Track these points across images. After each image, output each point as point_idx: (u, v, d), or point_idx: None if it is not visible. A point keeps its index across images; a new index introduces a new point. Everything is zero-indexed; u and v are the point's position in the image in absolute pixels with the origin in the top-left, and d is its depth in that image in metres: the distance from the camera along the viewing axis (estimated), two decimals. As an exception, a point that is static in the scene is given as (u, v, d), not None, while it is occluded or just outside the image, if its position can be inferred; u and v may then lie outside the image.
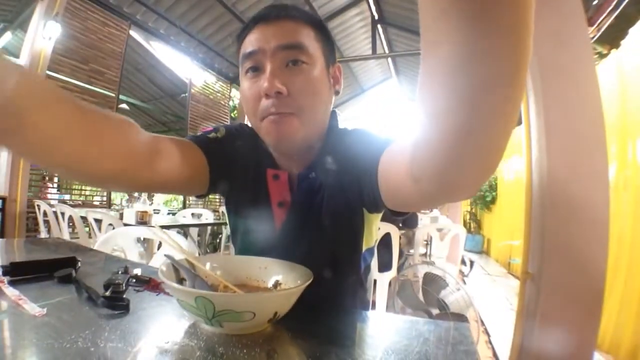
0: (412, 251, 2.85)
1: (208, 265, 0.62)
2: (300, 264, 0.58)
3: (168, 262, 0.56)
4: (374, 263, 1.66)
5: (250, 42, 0.57)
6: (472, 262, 4.45)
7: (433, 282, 1.66)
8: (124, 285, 0.60)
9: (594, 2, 2.84)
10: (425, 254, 4.14)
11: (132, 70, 6.96)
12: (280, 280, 0.60)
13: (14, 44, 5.83)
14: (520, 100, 0.25)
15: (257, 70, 0.57)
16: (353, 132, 0.67)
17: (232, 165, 0.66)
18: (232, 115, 7.10)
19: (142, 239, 2.15)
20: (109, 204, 4.49)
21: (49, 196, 4.54)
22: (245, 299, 0.47)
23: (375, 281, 1.70)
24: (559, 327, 1.23)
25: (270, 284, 0.60)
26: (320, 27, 0.61)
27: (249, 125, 0.68)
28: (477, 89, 0.24)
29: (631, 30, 2.13)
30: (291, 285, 0.57)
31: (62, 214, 2.78)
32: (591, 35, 2.85)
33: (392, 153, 0.50)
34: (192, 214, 4.10)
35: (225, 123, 6.65)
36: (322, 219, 0.63)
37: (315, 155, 0.64)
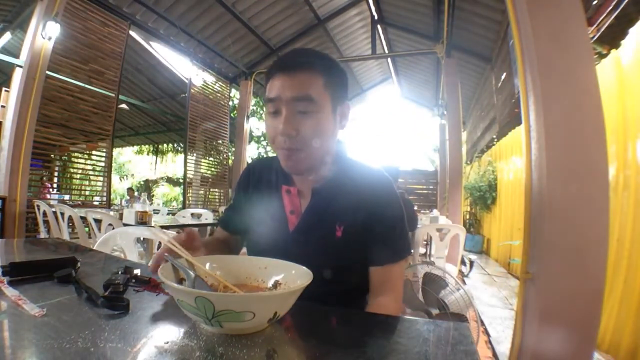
0: (411, 251, 2.85)
1: (208, 265, 0.61)
2: (309, 263, 0.59)
3: (167, 262, 0.56)
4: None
5: (272, 90, 0.73)
6: (471, 262, 4.45)
7: (433, 282, 1.66)
8: (123, 285, 0.60)
9: (594, 2, 2.84)
10: (425, 254, 4.14)
11: (132, 71, 6.96)
12: (280, 280, 0.60)
13: (14, 44, 5.83)
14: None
15: (276, 113, 0.73)
16: (374, 176, 0.82)
17: (248, 194, 0.88)
18: (231, 115, 7.10)
19: (141, 239, 2.15)
20: (108, 204, 4.49)
21: (48, 196, 4.55)
22: (245, 299, 0.47)
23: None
24: (558, 327, 1.23)
25: (270, 284, 0.60)
26: (332, 74, 0.75)
27: (263, 158, 0.96)
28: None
29: (631, 30, 2.13)
30: (291, 285, 0.57)
31: (62, 214, 2.78)
32: (591, 36, 2.85)
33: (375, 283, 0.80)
34: (192, 214, 4.10)
35: (225, 125, 6.68)
36: (334, 229, 0.76)
37: (325, 176, 0.80)
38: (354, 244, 0.76)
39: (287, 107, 0.71)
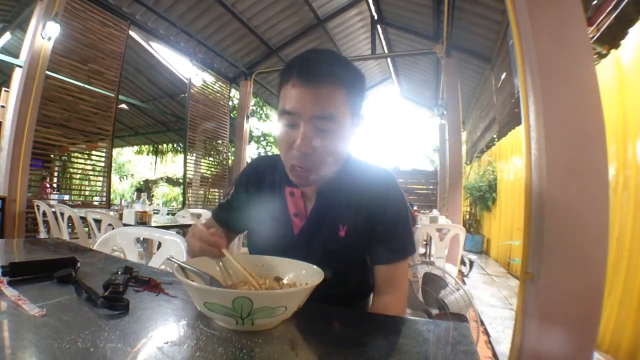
0: (416, 250, 2.83)
1: (218, 267, 0.64)
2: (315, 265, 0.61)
3: (176, 266, 0.56)
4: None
5: (290, 102, 0.67)
6: (471, 262, 4.44)
7: (432, 282, 1.66)
8: (123, 285, 0.60)
9: (594, 2, 2.84)
10: (424, 254, 4.14)
11: (132, 71, 6.95)
12: (280, 276, 0.63)
13: (14, 44, 5.82)
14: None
15: (292, 126, 0.68)
16: (378, 174, 0.80)
17: (250, 193, 0.85)
18: (231, 115, 7.10)
19: (141, 239, 2.15)
20: (108, 204, 4.49)
21: (46, 196, 4.54)
22: (281, 295, 0.49)
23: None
24: (558, 327, 1.23)
25: (272, 280, 0.63)
26: (355, 86, 0.71)
27: (266, 156, 0.91)
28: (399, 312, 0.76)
29: (630, 30, 2.13)
30: (293, 279, 0.61)
31: (62, 214, 2.77)
32: (591, 36, 2.85)
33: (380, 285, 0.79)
34: (192, 214, 4.09)
35: (225, 125, 6.68)
36: (337, 229, 0.75)
37: (329, 177, 0.76)
38: (356, 243, 0.75)
39: (306, 124, 0.66)
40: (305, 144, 0.66)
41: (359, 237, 0.75)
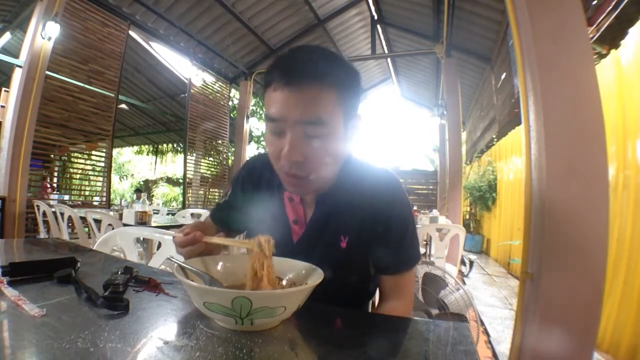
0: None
1: (218, 267, 0.64)
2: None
3: (176, 266, 0.56)
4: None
5: (274, 106, 0.61)
6: (471, 262, 4.44)
7: (432, 282, 1.66)
8: (123, 285, 0.60)
9: (594, 2, 2.84)
10: (424, 254, 4.14)
11: (132, 71, 6.95)
12: (280, 276, 0.62)
13: (13, 44, 5.82)
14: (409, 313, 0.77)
15: (279, 133, 0.63)
16: (381, 178, 0.74)
17: (247, 195, 0.82)
18: (231, 115, 7.10)
19: (141, 239, 2.14)
20: (108, 204, 4.49)
21: (46, 196, 4.54)
22: (280, 294, 0.49)
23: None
24: (558, 327, 1.23)
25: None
26: (346, 83, 0.64)
27: (263, 154, 0.83)
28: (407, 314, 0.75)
29: (630, 30, 2.13)
30: (292, 279, 0.61)
31: (62, 214, 2.78)
32: (591, 36, 2.85)
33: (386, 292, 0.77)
34: (192, 214, 4.10)
35: (225, 125, 6.68)
36: (338, 240, 0.72)
37: (330, 185, 0.73)
38: (359, 254, 0.73)
39: (292, 130, 0.61)
40: (293, 153, 0.61)
41: (361, 248, 0.72)
